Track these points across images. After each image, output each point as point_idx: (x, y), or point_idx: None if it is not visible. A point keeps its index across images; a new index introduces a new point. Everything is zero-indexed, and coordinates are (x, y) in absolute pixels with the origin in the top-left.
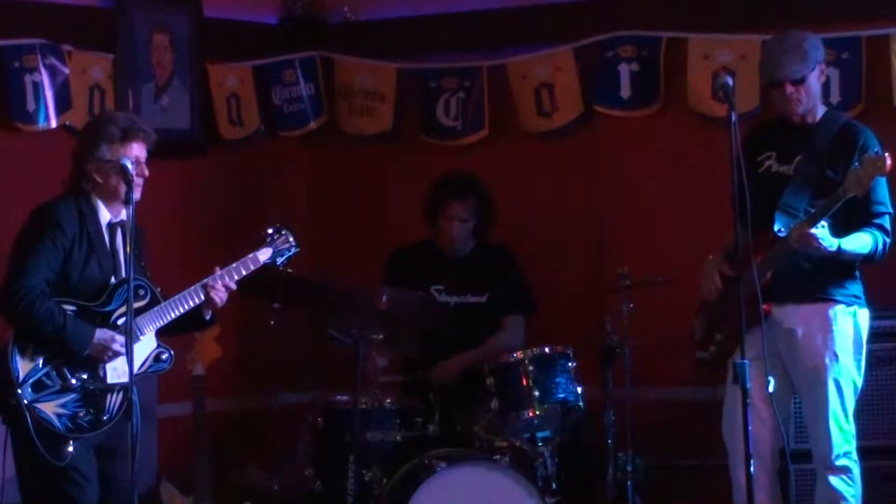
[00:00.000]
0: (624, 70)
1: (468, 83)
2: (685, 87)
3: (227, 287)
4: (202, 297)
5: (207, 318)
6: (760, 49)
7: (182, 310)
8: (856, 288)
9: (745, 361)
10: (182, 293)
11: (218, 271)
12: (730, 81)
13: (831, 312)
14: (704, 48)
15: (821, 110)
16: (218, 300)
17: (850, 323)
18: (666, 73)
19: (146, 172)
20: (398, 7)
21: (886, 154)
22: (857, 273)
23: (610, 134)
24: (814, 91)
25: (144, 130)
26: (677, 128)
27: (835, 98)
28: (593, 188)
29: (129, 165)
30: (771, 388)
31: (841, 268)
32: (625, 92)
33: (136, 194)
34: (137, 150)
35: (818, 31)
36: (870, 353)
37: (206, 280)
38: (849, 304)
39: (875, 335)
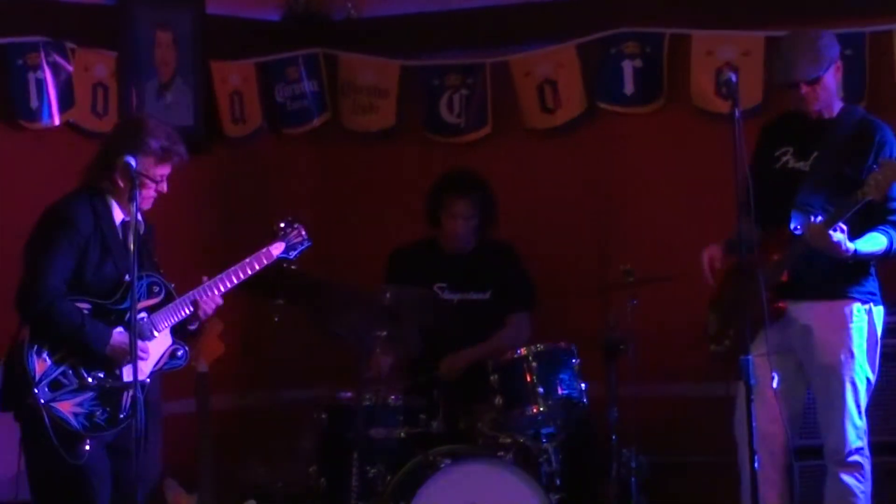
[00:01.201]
0: (627, 66)
1: (471, 80)
2: (688, 83)
3: (219, 295)
4: (191, 308)
5: (192, 328)
6: (765, 46)
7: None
8: (872, 285)
9: (750, 358)
10: (195, 290)
11: (205, 280)
12: (733, 78)
13: (847, 310)
14: (708, 44)
15: (837, 105)
16: (207, 310)
17: (865, 320)
18: (669, 70)
19: (165, 189)
20: (401, 4)
21: None
22: (873, 270)
23: (613, 130)
24: (830, 89)
25: (180, 154)
26: (681, 124)
27: (838, 93)
28: (597, 184)
29: (133, 163)
30: (775, 385)
31: (857, 265)
32: (628, 88)
33: (148, 204)
34: (166, 168)
35: (821, 27)
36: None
37: (218, 277)
38: (864, 302)
39: (886, 331)
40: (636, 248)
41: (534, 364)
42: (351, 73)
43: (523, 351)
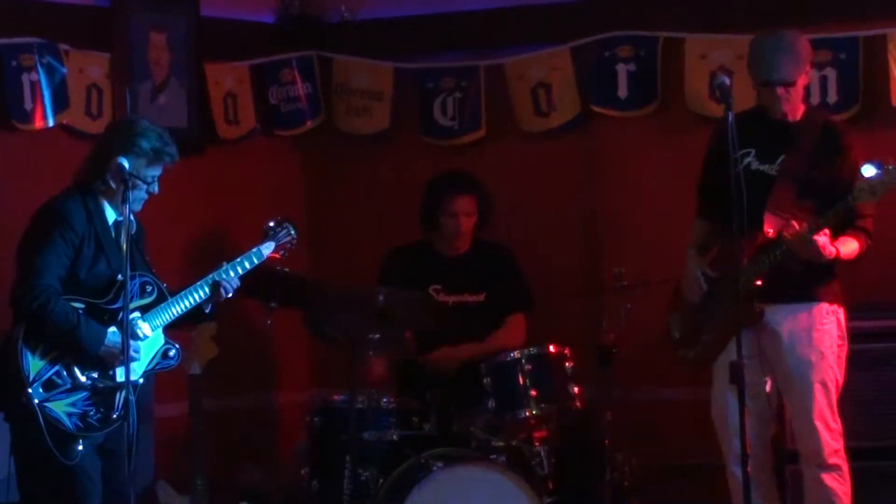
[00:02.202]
0: (621, 70)
1: (465, 83)
2: (682, 86)
3: (233, 282)
4: (208, 291)
5: (207, 311)
6: (750, 45)
7: (188, 304)
8: (835, 286)
9: (743, 361)
10: (189, 288)
11: (224, 265)
12: (727, 81)
13: (816, 311)
14: (702, 48)
15: (800, 108)
16: (224, 294)
17: (833, 321)
18: (663, 73)
19: (157, 191)
20: (396, 6)
21: None
22: (835, 272)
23: (607, 134)
24: (801, 92)
25: (172, 155)
26: (675, 128)
27: (832, 98)
28: (590, 188)
29: (126, 165)
30: (768, 388)
31: (823, 267)
32: (622, 92)
33: (139, 206)
34: (157, 170)
35: (816, 31)
36: (865, 354)
37: (213, 275)
38: (832, 303)
39: (870, 335)
40: (630, 252)
41: (527, 367)
42: (345, 75)
43: (516, 354)
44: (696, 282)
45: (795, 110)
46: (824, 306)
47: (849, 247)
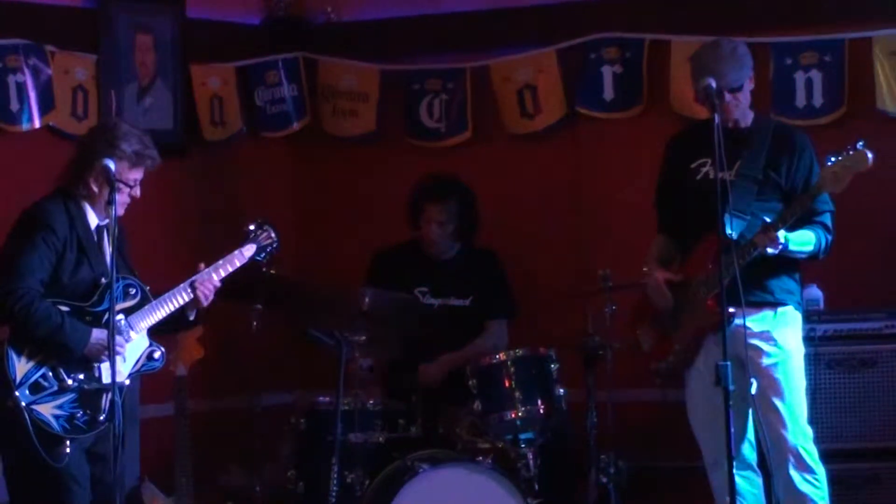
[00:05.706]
0: (607, 72)
1: (451, 85)
2: (668, 89)
3: (213, 285)
4: (191, 294)
5: (191, 318)
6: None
7: (172, 307)
8: (799, 291)
9: (728, 363)
10: (171, 291)
11: (203, 268)
12: (712, 84)
13: (781, 313)
14: (687, 50)
15: (750, 114)
16: (203, 298)
17: (798, 324)
18: (649, 76)
19: (138, 194)
20: (382, 8)
21: (867, 150)
22: (799, 277)
23: (593, 136)
24: (748, 97)
25: (153, 158)
26: (660, 130)
27: (818, 101)
28: (576, 190)
29: (112, 166)
30: (753, 391)
31: (788, 270)
32: (608, 94)
33: (120, 210)
34: (139, 173)
35: (801, 33)
36: (848, 356)
37: (193, 278)
38: (796, 307)
39: (855, 337)
40: (615, 253)
41: (512, 369)
42: (331, 77)
43: (502, 356)
44: (663, 295)
45: (746, 116)
46: (790, 308)
47: (803, 239)
